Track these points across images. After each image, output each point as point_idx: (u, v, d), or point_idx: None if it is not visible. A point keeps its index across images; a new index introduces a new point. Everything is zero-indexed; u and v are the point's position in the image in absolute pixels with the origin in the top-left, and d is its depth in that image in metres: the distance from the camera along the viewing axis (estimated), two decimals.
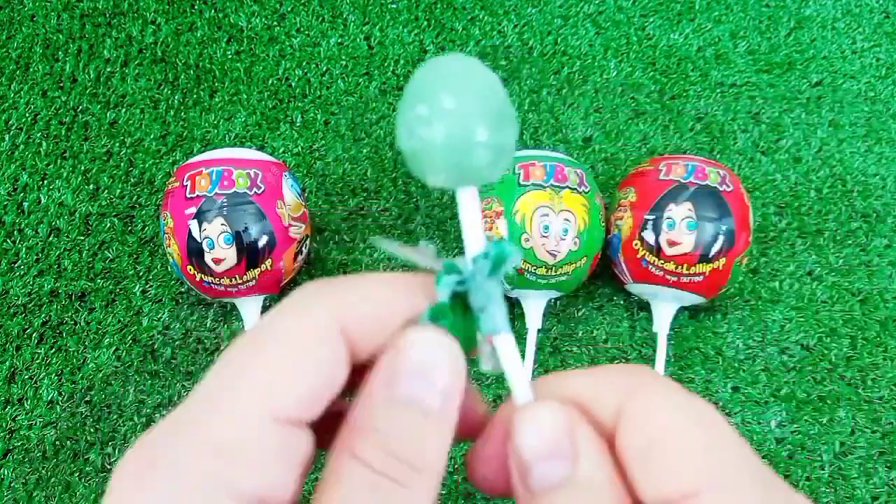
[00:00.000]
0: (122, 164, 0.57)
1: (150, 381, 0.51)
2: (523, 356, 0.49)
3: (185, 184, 0.45)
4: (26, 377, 0.51)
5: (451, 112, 0.15)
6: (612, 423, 0.17)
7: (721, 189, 0.46)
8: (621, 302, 0.52)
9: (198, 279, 0.46)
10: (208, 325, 0.52)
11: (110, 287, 0.53)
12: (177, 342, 0.52)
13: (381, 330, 0.17)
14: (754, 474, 0.16)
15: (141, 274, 0.53)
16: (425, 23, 0.61)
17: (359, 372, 0.17)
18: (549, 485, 0.16)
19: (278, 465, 0.15)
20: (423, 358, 0.16)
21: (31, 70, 0.60)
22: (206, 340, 0.52)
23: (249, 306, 0.48)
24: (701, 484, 0.15)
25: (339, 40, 0.61)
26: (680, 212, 0.45)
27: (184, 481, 0.14)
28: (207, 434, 0.15)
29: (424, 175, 0.16)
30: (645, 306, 0.52)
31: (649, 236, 0.46)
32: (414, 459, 0.16)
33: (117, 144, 0.57)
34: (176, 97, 0.59)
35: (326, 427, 0.17)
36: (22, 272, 0.54)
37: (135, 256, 0.54)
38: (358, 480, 0.15)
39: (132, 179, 0.56)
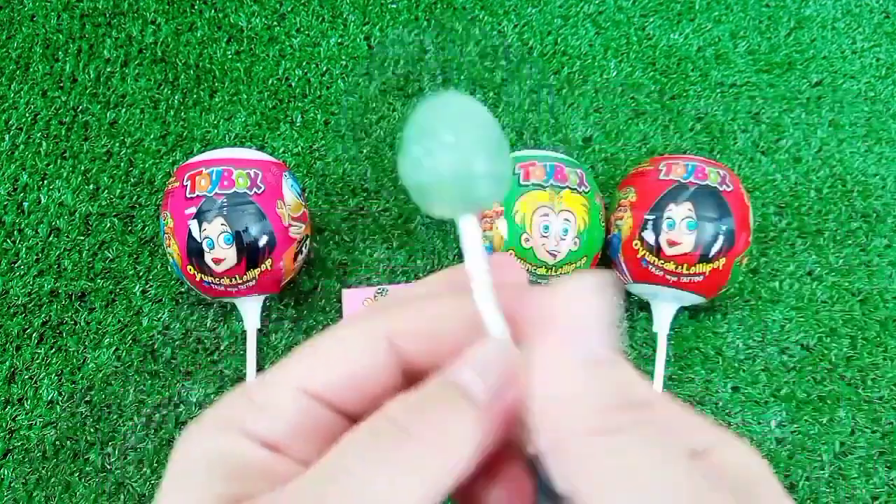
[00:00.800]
0: (122, 164, 0.57)
1: (150, 381, 0.51)
2: None
3: (185, 184, 0.45)
4: (26, 377, 0.51)
5: (455, 146, 0.17)
6: None
7: (721, 189, 0.46)
8: (621, 302, 0.52)
9: (198, 279, 0.46)
10: (208, 325, 0.52)
11: (110, 287, 0.53)
12: (177, 342, 0.52)
13: (433, 342, 0.18)
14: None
15: (141, 274, 0.53)
16: (425, 23, 0.61)
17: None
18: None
19: (293, 424, 0.17)
20: (483, 354, 0.17)
21: (31, 70, 0.60)
22: (206, 340, 0.52)
23: (249, 306, 0.48)
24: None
25: (339, 40, 0.61)
26: (680, 212, 0.45)
27: (211, 422, 0.17)
28: (261, 386, 0.18)
29: (431, 206, 0.18)
30: (645, 306, 0.52)
31: (649, 236, 0.46)
32: (438, 428, 0.16)
33: (117, 144, 0.57)
34: (176, 97, 0.59)
35: None
36: (22, 272, 0.54)
37: (135, 256, 0.54)
38: (373, 423, 0.16)
39: (132, 179, 0.56)
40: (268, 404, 0.17)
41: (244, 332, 0.50)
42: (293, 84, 0.59)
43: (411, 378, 0.18)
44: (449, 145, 0.17)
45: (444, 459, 0.16)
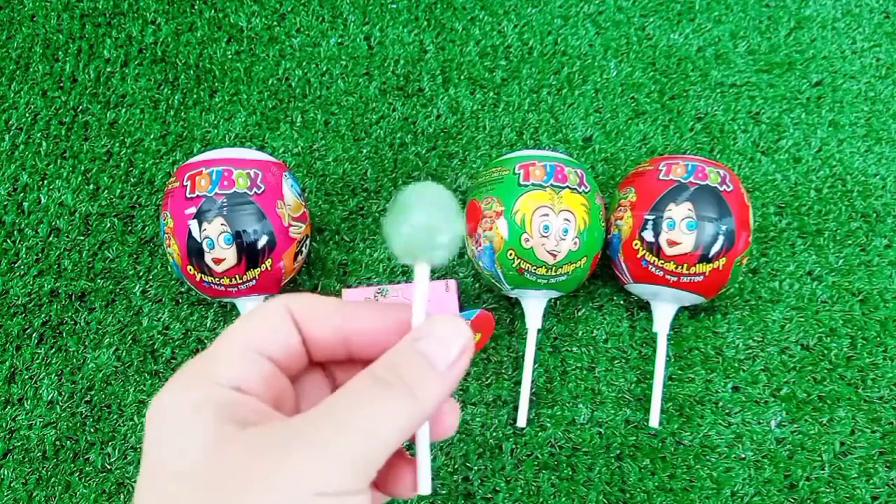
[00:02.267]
0: (122, 164, 0.57)
1: (150, 381, 0.51)
2: (523, 356, 0.49)
3: (185, 184, 0.45)
4: (26, 377, 0.51)
5: (428, 226, 0.24)
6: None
7: (721, 189, 0.46)
8: (621, 302, 0.52)
9: (198, 279, 0.46)
10: (208, 325, 0.52)
11: (110, 287, 0.53)
12: (177, 342, 0.52)
13: (318, 314, 0.24)
14: None
15: (141, 274, 0.53)
16: (425, 23, 0.61)
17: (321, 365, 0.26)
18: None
19: (247, 369, 0.22)
20: (447, 333, 0.23)
21: (31, 70, 0.60)
22: (206, 340, 0.52)
23: (249, 306, 0.48)
24: None
25: (339, 40, 0.61)
26: (680, 212, 0.45)
27: (183, 380, 0.22)
28: (208, 353, 0.23)
29: (403, 258, 0.25)
30: (645, 306, 0.52)
31: (649, 236, 0.46)
32: (412, 383, 0.22)
33: (117, 144, 0.57)
34: (176, 97, 0.59)
35: None
36: (22, 272, 0.54)
37: (135, 256, 0.54)
38: (362, 377, 0.22)
39: (132, 179, 0.56)
40: (222, 360, 0.23)
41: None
42: (293, 84, 0.59)
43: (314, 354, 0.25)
44: (423, 225, 0.24)
45: (416, 407, 0.22)
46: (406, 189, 0.25)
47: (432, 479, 0.48)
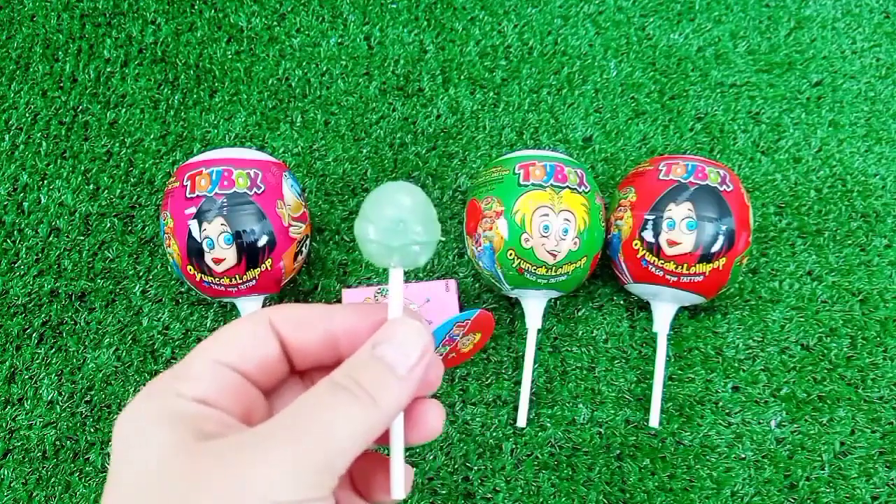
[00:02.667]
0: (122, 164, 0.57)
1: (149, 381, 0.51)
2: (523, 356, 0.49)
3: (185, 184, 0.45)
4: (26, 377, 0.51)
5: (401, 228, 0.23)
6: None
7: (721, 189, 0.46)
8: (621, 302, 0.52)
9: (198, 279, 0.46)
10: (208, 325, 0.52)
11: (110, 287, 0.53)
12: (177, 342, 0.52)
13: (302, 322, 0.24)
14: None
15: (141, 274, 0.53)
16: (425, 23, 0.61)
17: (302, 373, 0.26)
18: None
19: (214, 385, 0.22)
20: (407, 337, 0.23)
21: (31, 70, 0.60)
22: None
23: (249, 306, 0.48)
24: None
25: (339, 40, 0.61)
26: (680, 212, 0.45)
27: (147, 395, 0.22)
28: (177, 366, 0.23)
29: (376, 262, 0.25)
30: (645, 306, 0.52)
31: (649, 236, 0.46)
32: (371, 390, 0.21)
33: (117, 144, 0.57)
34: (176, 97, 0.59)
35: None
36: (22, 272, 0.54)
37: (135, 256, 0.54)
38: (322, 384, 0.22)
39: (132, 179, 0.56)
40: (189, 374, 0.23)
41: None
42: (293, 84, 0.59)
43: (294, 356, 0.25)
44: (396, 228, 0.23)
45: (375, 412, 0.21)
46: (377, 188, 0.24)
47: (432, 479, 0.48)
